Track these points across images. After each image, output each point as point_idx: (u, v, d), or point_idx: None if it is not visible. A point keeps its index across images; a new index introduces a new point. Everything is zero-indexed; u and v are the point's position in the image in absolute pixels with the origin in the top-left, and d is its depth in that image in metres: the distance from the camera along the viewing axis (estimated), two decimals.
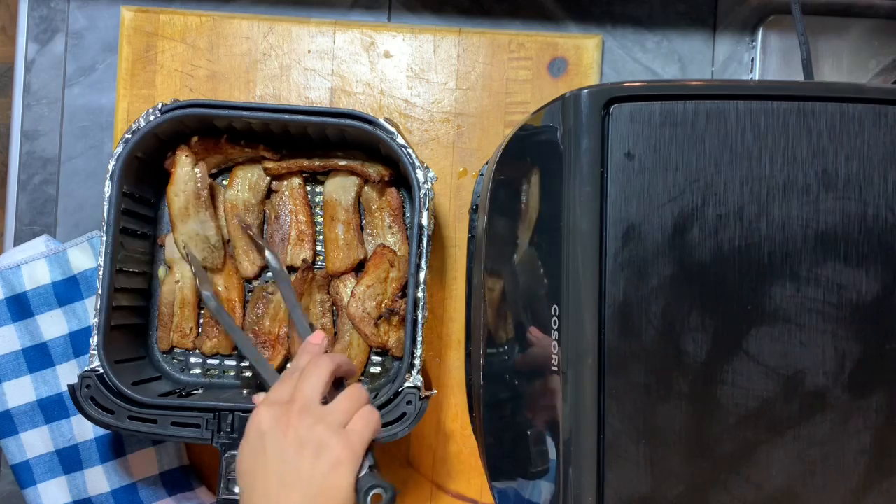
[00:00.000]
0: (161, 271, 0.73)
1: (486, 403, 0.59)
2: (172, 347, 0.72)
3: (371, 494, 0.52)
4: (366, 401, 0.57)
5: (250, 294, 0.73)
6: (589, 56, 0.76)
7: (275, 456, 0.52)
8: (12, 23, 1.23)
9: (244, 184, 0.72)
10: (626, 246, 0.46)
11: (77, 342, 0.72)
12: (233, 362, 0.73)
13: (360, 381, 0.72)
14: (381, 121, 0.66)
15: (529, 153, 0.54)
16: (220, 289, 0.72)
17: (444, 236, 0.76)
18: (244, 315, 0.72)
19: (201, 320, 0.72)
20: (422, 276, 0.65)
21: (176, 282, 0.71)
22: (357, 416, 0.54)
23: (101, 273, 0.65)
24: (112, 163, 0.66)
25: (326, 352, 0.61)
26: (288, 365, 0.72)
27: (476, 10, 0.78)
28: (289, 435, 0.52)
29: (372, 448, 0.54)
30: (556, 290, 0.48)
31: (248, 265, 0.72)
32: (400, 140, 0.66)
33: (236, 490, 0.63)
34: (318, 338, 0.61)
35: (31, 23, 0.77)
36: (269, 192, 0.73)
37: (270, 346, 0.71)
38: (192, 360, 0.73)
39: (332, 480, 0.51)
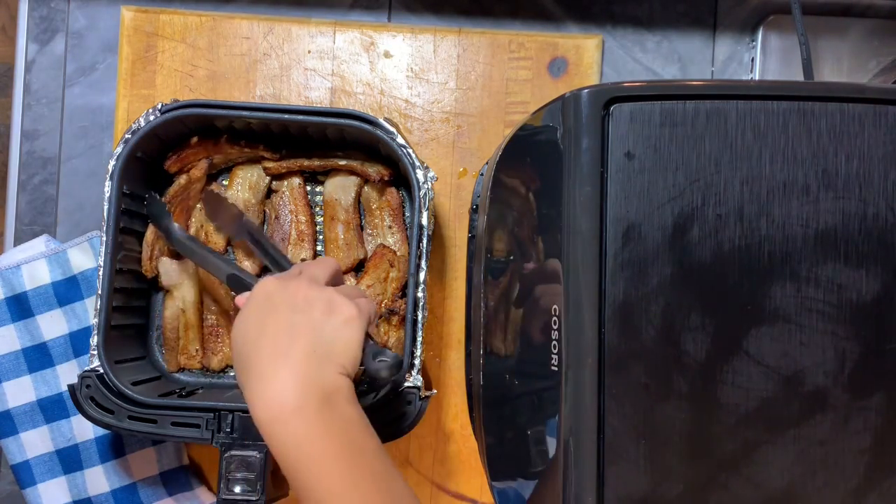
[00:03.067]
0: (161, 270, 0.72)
1: (486, 403, 0.59)
2: (181, 368, 0.72)
3: (378, 359, 0.52)
4: (365, 294, 0.58)
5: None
6: (589, 56, 0.76)
7: (284, 310, 0.51)
8: (12, 23, 1.23)
9: (244, 184, 0.72)
10: (626, 246, 0.46)
11: (77, 342, 0.72)
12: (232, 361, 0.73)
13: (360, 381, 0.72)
14: (381, 121, 0.66)
15: (529, 153, 0.54)
16: (209, 302, 0.72)
17: (444, 236, 0.76)
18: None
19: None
20: (422, 276, 0.65)
21: (181, 310, 0.71)
22: (359, 298, 0.55)
23: (101, 273, 0.65)
24: (112, 163, 0.66)
25: None
26: None
27: (476, 10, 0.78)
28: (299, 294, 0.51)
29: (372, 326, 0.55)
30: (556, 290, 0.48)
31: (249, 265, 0.72)
32: (400, 140, 0.66)
33: (237, 490, 0.63)
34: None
35: (31, 23, 0.77)
36: (269, 192, 0.73)
37: None
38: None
39: (344, 332, 0.51)
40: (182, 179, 0.70)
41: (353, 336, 0.51)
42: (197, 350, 0.71)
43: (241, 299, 0.58)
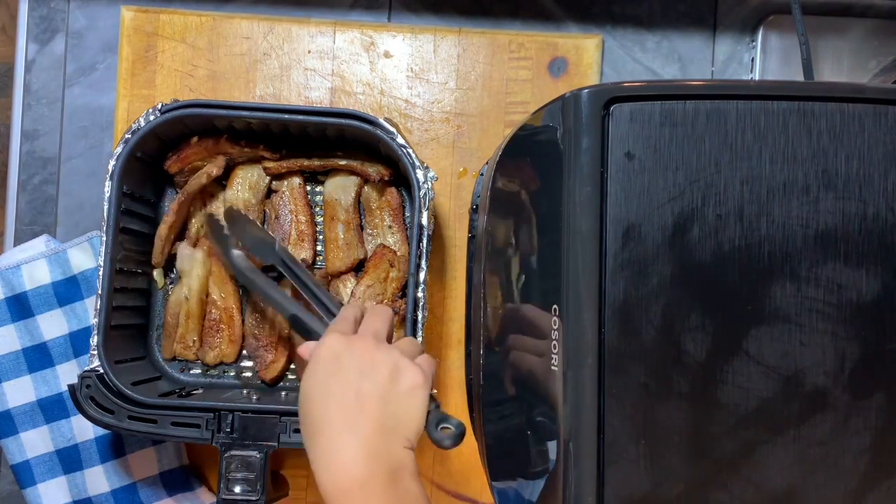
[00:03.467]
0: (157, 275, 0.72)
1: (486, 403, 0.59)
2: (174, 357, 0.72)
3: (441, 427, 0.52)
4: (423, 349, 0.58)
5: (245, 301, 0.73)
6: (589, 56, 0.76)
7: (352, 372, 0.51)
8: (12, 23, 1.23)
9: (244, 184, 0.72)
10: (626, 246, 0.46)
11: (77, 342, 0.72)
12: (233, 362, 0.73)
13: None
14: (381, 121, 0.66)
15: (529, 153, 0.54)
16: (215, 297, 0.72)
17: (444, 236, 0.76)
18: (243, 321, 0.72)
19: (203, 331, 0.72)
20: (422, 276, 0.65)
21: (185, 298, 0.71)
22: (421, 357, 0.55)
23: (101, 273, 0.65)
24: (112, 163, 0.66)
25: None
26: (290, 370, 0.73)
27: (476, 10, 0.78)
28: (365, 356, 0.51)
29: (434, 394, 0.55)
30: (556, 290, 0.48)
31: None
32: (400, 140, 0.66)
33: (237, 490, 0.63)
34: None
35: (31, 23, 0.77)
36: (270, 192, 0.73)
37: (273, 348, 0.71)
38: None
39: (411, 403, 0.51)
40: (203, 178, 0.70)
41: (418, 406, 0.51)
42: (194, 341, 0.71)
43: (303, 349, 0.57)
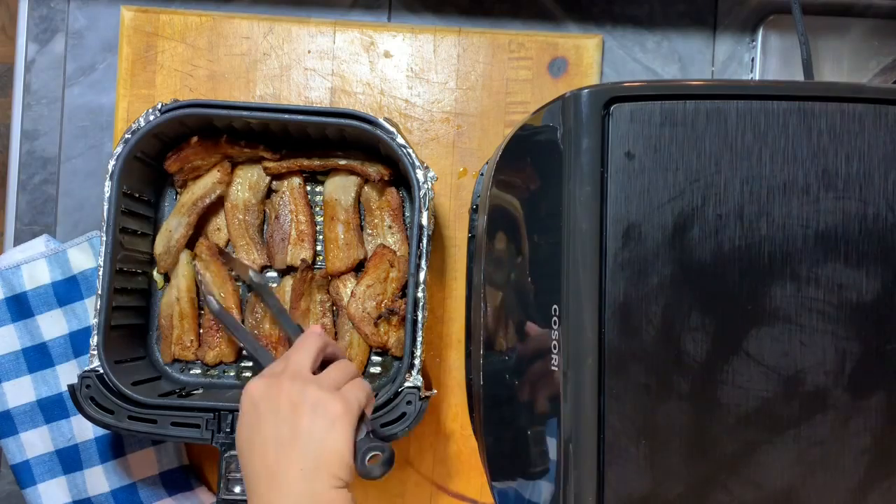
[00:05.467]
0: (157, 275, 0.72)
1: (486, 403, 0.59)
2: (175, 360, 0.72)
3: (369, 456, 0.51)
4: (356, 373, 0.56)
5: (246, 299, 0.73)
6: (589, 56, 0.76)
7: (270, 420, 0.51)
8: (12, 23, 1.23)
9: (244, 184, 0.72)
10: (626, 246, 0.46)
11: (77, 342, 0.72)
12: (233, 362, 0.73)
13: None
14: (381, 121, 0.66)
15: (529, 153, 0.54)
16: (215, 297, 0.72)
17: (444, 236, 0.76)
18: (243, 320, 0.72)
19: (201, 331, 0.72)
20: (422, 276, 0.65)
21: (176, 299, 0.71)
22: (349, 384, 0.54)
23: (101, 273, 0.65)
24: (112, 163, 0.66)
25: None
26: None
27: (476, 10, 0.78)
28: (282, 398, 0.51)
29: (365, 417, 0.54)
30: (556, 290, 0.48)
31: (249, 264, 0.72)
32: (400, 140, 0.66)
33: (237, 490, 0.63)
34: (316, 328, 0.60)
35: (31, 23, 0.77)
36: (270, 192, 0.73)
37: (272, 348, 0.71)
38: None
39: (331, 438, 0.50)
40: (208, 184, 0.70)
41: (340, 440, 0.50)
42: (192, 341, 0.71)
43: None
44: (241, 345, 0.68)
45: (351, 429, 0.51)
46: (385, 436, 0.63)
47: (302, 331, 0.64)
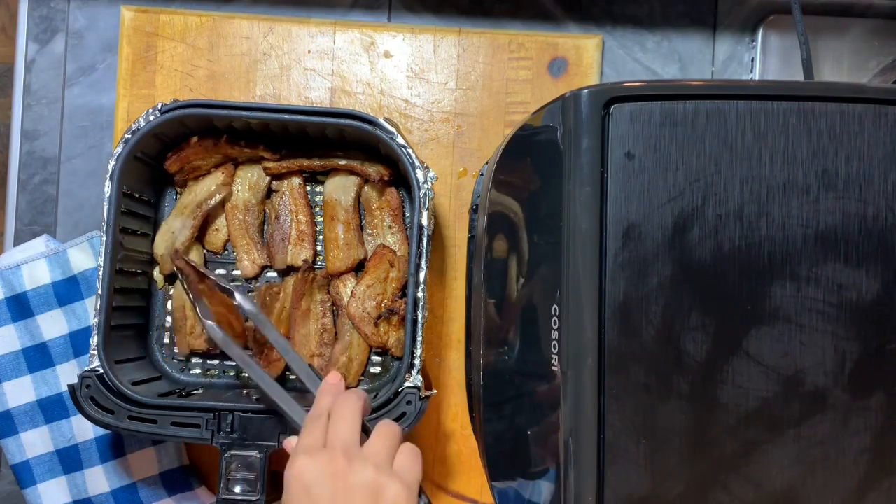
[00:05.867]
0: (157, 275, 0.72)
1: (486, 403, 0.59)
2: (191, 352, 0.71)
3: None
4: (400, 435, 0.53)
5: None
6: (589, 56, 0.76)
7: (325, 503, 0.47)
8: (12, 23, 1.23)
9: (244, 184, 0.72)
10: (626, 246, 0.46)
11: (77, 342, 0.72)
12: (233, 362, 0.73)
13: (360, 381, 0.72)
14: (381, 121, 0.66)
15: (529, 153, 0.54)
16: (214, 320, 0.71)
17: (444, 236, 0.76)
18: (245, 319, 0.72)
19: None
20: (422, 276, 0.65)
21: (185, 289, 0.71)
22: (401, 454, 0.51)
23: (101, 273, 0.65)
24: (112, 163, 0.66)
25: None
26: (289, 374, 0.72)
27: (476, 10, 0.78)
28: (338, 483, 0.47)
29: (422, 488, 0.52)
30: (555, 290, 0.48)
31: (249, 264, 0.72)
32: (400, 140, 0.66)
33: (237, 490, 0.63)
34: (335, 377, 0.58)
35: (31, 23, 0.77)
36: (270, 192, 0.73)
37: (273, 347, 0.71)
38: (193, 359, 0.73)
39: None
40: (212, 186, 0.70)
41: None
42: (202, 329, 0.71)
43: (288, 444, 0.55)
44: (257, 381, 0.62)
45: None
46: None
47: (314, 371, 0.61)
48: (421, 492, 0.51)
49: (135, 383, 0.66)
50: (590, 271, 0.46)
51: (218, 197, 0.71)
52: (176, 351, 0.72)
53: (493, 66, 0.76)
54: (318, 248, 0.73)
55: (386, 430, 0.52)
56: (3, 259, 0.72)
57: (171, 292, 0.72)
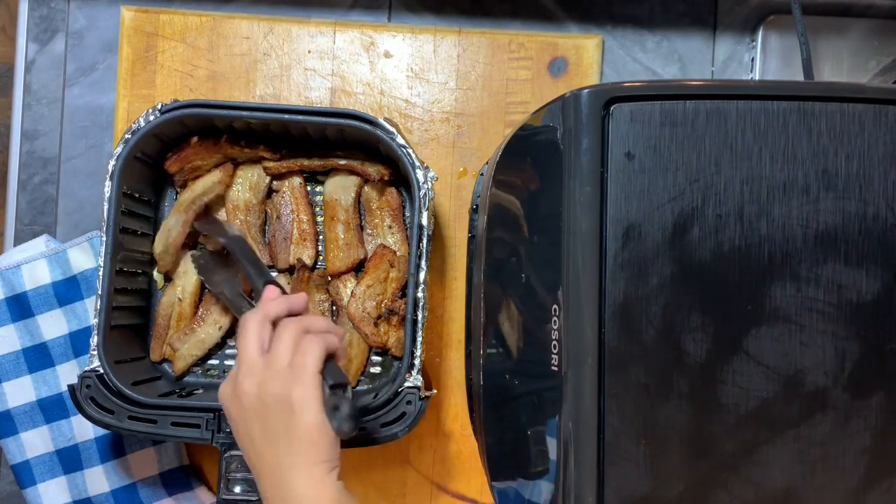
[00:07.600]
0: (157, 275, 0.72)
1: (486, 403, 0.59)
2: (163, 359, 0.72)
3: (336, 413, 0.51)
4: (305, 326, 0.54)
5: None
6: (589, 56, 0.76)
7: (241, 427, 0.53)
8: (12, 23, 1.23)
9: (245, 184, 0.72)
10: (626, 246, 0.46)
11: (77, 342, 0.72)
12: (233, 363, 0.73)
13: (359, 381, 0.72)
14: (381, 121, 0.66)
15: (529, 153, 0.54)
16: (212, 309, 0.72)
17: (444, 236, 0.76)
18: None
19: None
20: (422, 276, 0.65)
21: (178, 299, 0.71)
22: (299, 351, 0.53)
23: (101, 273, 0.65)
24: (112, 163, 0.66)
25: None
26: None
27: (476, 10, 0.78)
28: (245, 406, 0.52)
29: (328, 362, 0.53)
30: (555, 290, 0.48)
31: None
32: (400, 140, 0.66)
33: (237, 490, 0.64)
34: (269, 292, 0.59)
35: (31, 23, 0.77)
36: (270, 192, 0.73)
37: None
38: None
39: (301, 423, 0.50)
40: (209, 183, 0.70)
41: (309, 421, 0.50)
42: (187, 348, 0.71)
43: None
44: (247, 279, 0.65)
45: (316, 401, 0.51)
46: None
47: (271, 283, 0.62)
48: (343, 386, 0.53)
49: (135, 383, 0.66)
50: (590, 271, 0.46)
51: (213, 194, 0.70)
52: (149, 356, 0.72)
53: (493, 66, 0.76)
54: (320, 247, 0.73)
55: (281, 329, 0.54)
56: (3, 259, 0.72)
57: (163, 293, 0.72)
